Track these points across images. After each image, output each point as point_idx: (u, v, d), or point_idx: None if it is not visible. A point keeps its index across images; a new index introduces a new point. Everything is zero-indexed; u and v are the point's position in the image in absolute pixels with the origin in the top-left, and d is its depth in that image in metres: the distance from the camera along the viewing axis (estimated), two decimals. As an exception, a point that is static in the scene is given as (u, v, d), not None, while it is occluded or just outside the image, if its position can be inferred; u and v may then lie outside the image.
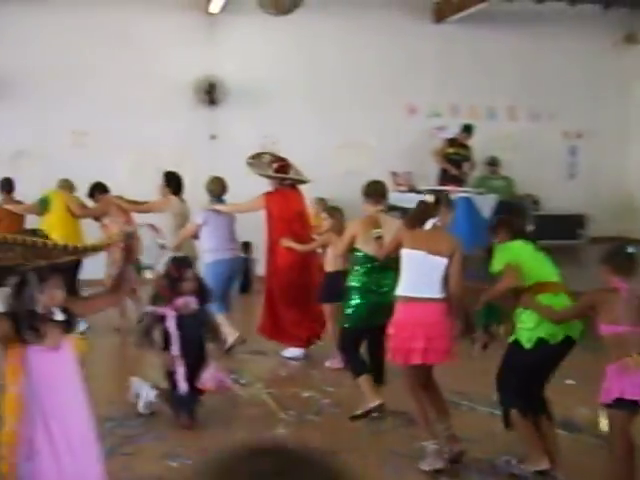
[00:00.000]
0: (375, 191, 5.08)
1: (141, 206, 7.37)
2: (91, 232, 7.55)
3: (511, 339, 4.09)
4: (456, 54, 10.82)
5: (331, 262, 6.11)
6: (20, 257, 2.64)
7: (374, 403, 4.76)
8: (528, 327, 3.97)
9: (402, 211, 8.23)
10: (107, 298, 3.46)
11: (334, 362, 5.88)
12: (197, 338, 4.81)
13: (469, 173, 10.40)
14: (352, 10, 10.26)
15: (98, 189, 7.60)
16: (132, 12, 9.67)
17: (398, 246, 4.24)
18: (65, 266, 2.92)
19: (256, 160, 6.47)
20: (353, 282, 4.90)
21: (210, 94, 9.90)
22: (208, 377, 4.66)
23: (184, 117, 9.97)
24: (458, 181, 9.89)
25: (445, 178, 10.02)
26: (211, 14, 9.96)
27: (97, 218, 7.57)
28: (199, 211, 6.80)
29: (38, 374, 2.85)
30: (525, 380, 4.04)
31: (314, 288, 6.23)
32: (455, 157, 10.21)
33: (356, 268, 4.91)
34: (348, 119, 10.31)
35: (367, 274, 4.83)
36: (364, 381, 4.83)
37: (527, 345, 3.96)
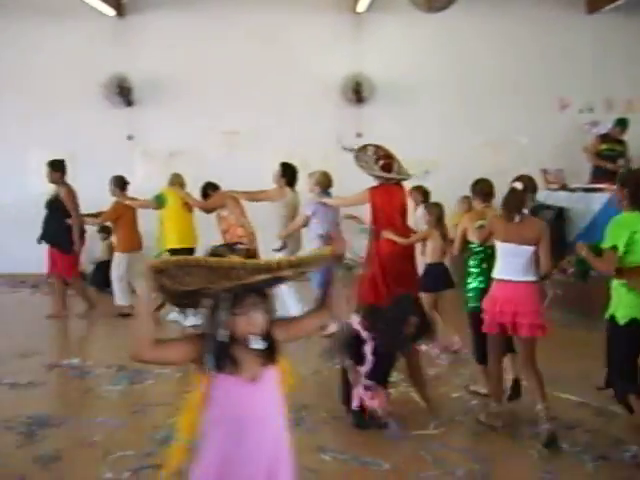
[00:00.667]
0: (481, 190, 5.46)
1: (256, 194, 7.76)
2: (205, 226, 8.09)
3: (607, 314, 4.34)
4: (611, 45, 10.36)
5: (431, 254, 6.74)
6: (204, 280, 2.27)
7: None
8: (626, 304, 4.21)
9: (553, 210, 7.99)
10: (316, 317, 2.65)
11: (435, 346, 6.26)
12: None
13: (624, 169, 9.90)
14: (500, 4, 10.07)
15: (210, 188, 8.01)
16: (282, 14, 9.96)
17: (491, 235, 4.81)
18: (265, 285, 2.41)
19: (361, 153, 6.42)
20: (471, 268, 5.38)
21: (357, 93, 9.98)
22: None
23: (331, 116, 10.12)
24: (613, 178, 9.42)
25: (598, 175, 9.59)
26: (358, 13, 10.07)
27: (209, 211, 7.97)
28: (308, 203, 7.24)
29: (228, 407, 2.41)
30: (631, 359, 4.28)
31: (412, 278, 6.36)
32: (608, 153, 9.74)
33: (472, 257, 5.37)
34: (496, 116, 10.11)
35: (482, 260, 5.25)
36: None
37: (621, 322, 4.22)
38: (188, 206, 8.11)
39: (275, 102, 10.06)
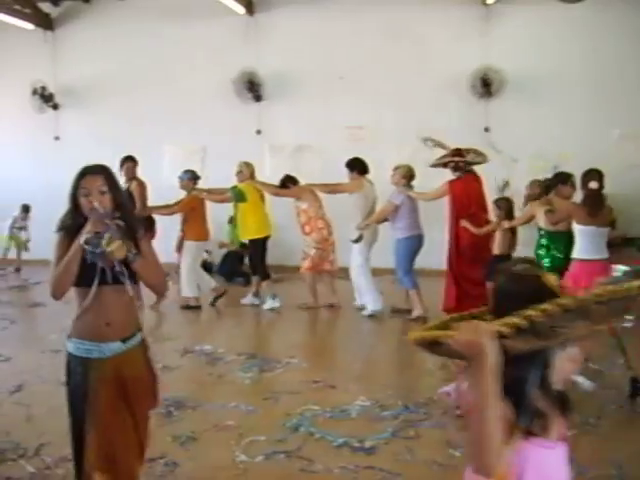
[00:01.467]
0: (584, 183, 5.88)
1: (334, 187, 8.16)
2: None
3: None
4: None
5: (498, 246, 7.20)
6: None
7: None
8: None
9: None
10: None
11: None
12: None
13: None
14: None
15: (289, 180, 8.38)
16: (410, 9, 9.92)
17: (565, 218, 5.82)
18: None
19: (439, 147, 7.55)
20: (539, 250, 6.24)
21: (486, 86, 9.83)
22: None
23: (458, 110, 10.03)
24: None
25: None
26: (487, 5, 9.90)
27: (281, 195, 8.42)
28: (397, 194, 7.68)
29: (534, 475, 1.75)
30: None
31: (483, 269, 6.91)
32: None
33: (542, 239, 6.26)
34: (631, 108, 9.66)
35: (550, 241, 6.14)
36: None
37: None
38: (263, 196, 8.46)
39: (401, 96, 10.06)
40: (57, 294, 2.91)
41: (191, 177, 8.59)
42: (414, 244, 7.67)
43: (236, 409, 5.07)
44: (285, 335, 7.66)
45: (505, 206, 7.25)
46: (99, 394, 2.95)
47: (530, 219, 6.60)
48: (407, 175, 7.70)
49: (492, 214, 7.42)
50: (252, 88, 10.37)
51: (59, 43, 11.51)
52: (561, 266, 5.67)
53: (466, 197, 7.14)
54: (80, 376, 2.97)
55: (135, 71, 11.12)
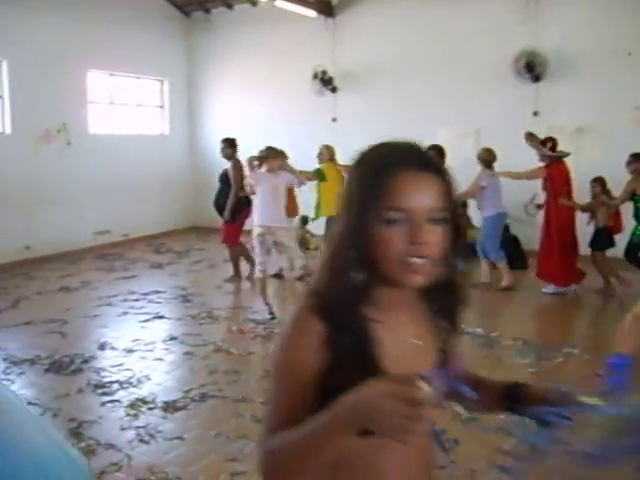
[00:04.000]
0: None
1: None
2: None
3: None
4: None
5: (601, 219, 8.07)
6: None
7: None
8: None
9: None
10: None
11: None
12: None
13: None
14: None
15: None
16: None
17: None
18: None
19: (534, 138, 8.22)
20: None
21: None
22: None
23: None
24: None
25: None
26: None
27: None
28: (483, 175, 8.27)
29: None
30: None
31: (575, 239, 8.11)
32: None
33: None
34: None
35: None
36: None
37: None
38: (342, 178, 8.68)
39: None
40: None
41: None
42: (502, 221, 8.49)
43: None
44: (561, 322, 7.41)
45: (601, 182, 8.09)
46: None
47: (632, 192, 7.65)
48: (485, 157, 8.34)
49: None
50: (531, 68, 10.02)
51: (339, 29, 11.99)
52: None
53: (563, 178, 8.02)
54: None
55: (410, 54, 11.24)
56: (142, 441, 4.27)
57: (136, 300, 7.99)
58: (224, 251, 9.56)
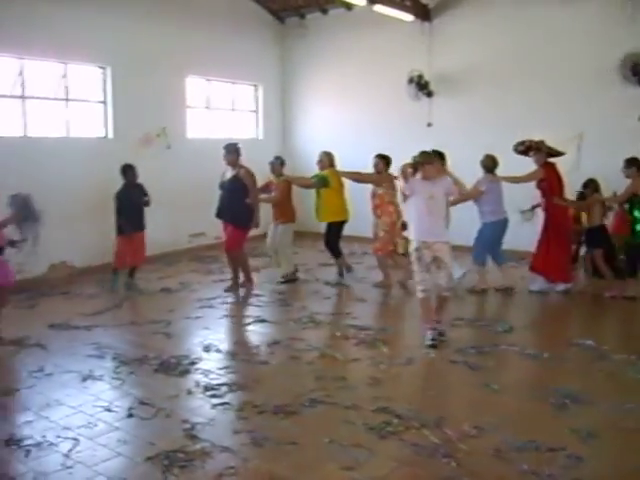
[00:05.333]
0: None
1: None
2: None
3: None
4: None
5: (594, 217, 8.45)
6: None
7: None
8: None
9: None
10: None
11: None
12: None
13: None
14: None
15: (383, 160, 8.84)
16: None
17: None
18: None
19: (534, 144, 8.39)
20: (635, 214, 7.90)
21: None
22: None
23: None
24: None
25: None
26: None
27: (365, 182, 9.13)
28: (482, 180, 8.39)
29: None
30: None
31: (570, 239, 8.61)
32: None
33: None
34: None
35: None
36: None
37: None
38: (342, 183, 9.10)
39: None
40: None
41: (281, 162, 9.35)
42: (501, 227, 8.46)
43: (634, 411, 4.75)
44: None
45: (593, 185, 8.52)
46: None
47: (633, 193, 7.99)
48: (486, 164, 8.44)
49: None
50: (638, 71, 9.64)
51: (435, 33, 11.83)
52: None
53: (557, 179, 8.36)
54: None
55: (508, 57, 11.00)
56: (256, 445, 4.25)
57: (235, 303, 8.05)
58: (318, 255, 9.54)
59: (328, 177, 8.93)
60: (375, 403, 4.88)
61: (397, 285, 8.85)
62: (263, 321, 7.24)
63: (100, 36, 10.07)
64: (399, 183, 6.69)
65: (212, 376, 5.52)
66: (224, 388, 5.22)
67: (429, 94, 11.85)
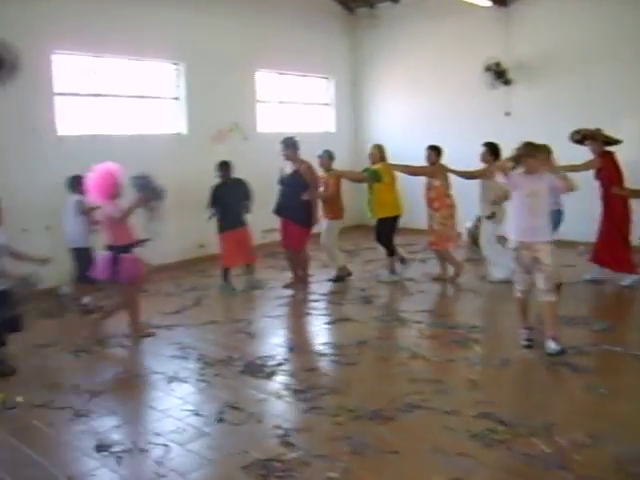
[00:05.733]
0: None
1: (474, 173, 8.49)
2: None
3: None
4: None
5: None
6: None
7: None
8: None
9: None
10: None
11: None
12: None
13: None
14: None
15: (435, 151, 8.55)
16: None
17: None
18: None
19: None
20: None
21: None
22: None
23: None
24: None
25: None
26: None
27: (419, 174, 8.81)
28: None
29: None
30: None
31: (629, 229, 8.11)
32: None
33: None
34: None
35: None
36: None
37: None
38: (395, 177, 8.74)
39: None
40: None
41: (329, 156, 8.81)
42: (559, 218, 7.78)
43: None
44: None
45: None
46: None
47: None
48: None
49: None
50: None
51: (513, 18, 11.37)
52: None
53: (616, 168, 8.04)
54: None
55: (591, 43, 10.47)
56: (355, 453, 4.01)
57: (316, 301, 7.85)
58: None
59: (380, 171, 8.56)
60: (476, 408, 4.58)
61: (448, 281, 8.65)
62: (347, 320, 7.00)
63: (174, 32, 10.01)
64: (498, 178, 6.06)
65: (300, 378, 5.31)
66: (314, 391, 5.00)
67: (507, 82, 11.41)
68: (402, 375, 5.31)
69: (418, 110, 12.74)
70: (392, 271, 8.86)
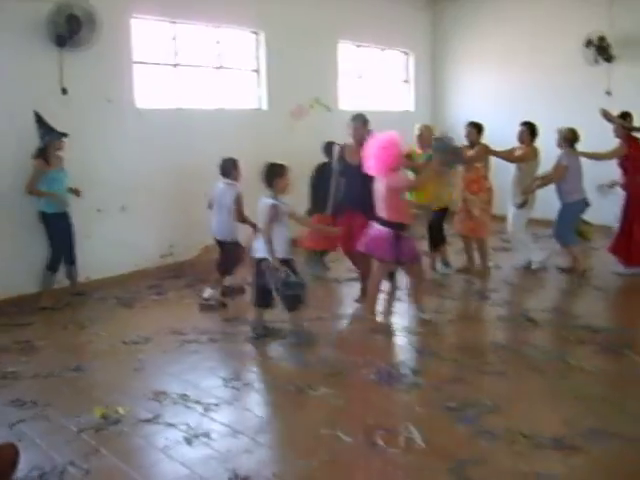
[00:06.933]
0: None
1: (509, 154, 8.02)
2: None
3: None
4: None
5: None
6: None
7: None
8: None
9: None
10: None
11: None
12: None
13: None
14: None
15: (476, 128, 7.90)
16: None
17: None
18: None
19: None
20: None
21: None
22: None
23: None
24: None
25: None
26: None
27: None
28: (565, 155, 7.63)
29: None
30: None
31: None
32: None
33: None
34: None
35: None
36: None
37: None
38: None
39: None
40: None
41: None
42: (581, 209, 7.78)
43: None
44: None
45: None
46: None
47: None
48: (568, 137, 7.67)
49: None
50: None
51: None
52: None
53: (637, 154, 7.68)
54: None
55: None
56: (553, 496, 3.25)
57: (423, 296, 7.02)
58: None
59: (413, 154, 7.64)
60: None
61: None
62: (467, 318, 6.25)
63: (252, -3, 9.25)
64: None
65: (446, 391, 4.53)
66: (472, 409, 4.21)
67: (609, 58, 10.48)
68: (566, 391, 4.49)
69: (505, 88, 11.86)
70: (446, 263, 8.11)
